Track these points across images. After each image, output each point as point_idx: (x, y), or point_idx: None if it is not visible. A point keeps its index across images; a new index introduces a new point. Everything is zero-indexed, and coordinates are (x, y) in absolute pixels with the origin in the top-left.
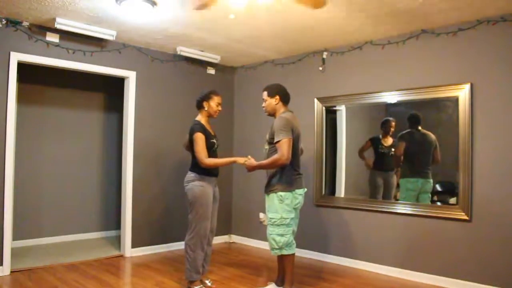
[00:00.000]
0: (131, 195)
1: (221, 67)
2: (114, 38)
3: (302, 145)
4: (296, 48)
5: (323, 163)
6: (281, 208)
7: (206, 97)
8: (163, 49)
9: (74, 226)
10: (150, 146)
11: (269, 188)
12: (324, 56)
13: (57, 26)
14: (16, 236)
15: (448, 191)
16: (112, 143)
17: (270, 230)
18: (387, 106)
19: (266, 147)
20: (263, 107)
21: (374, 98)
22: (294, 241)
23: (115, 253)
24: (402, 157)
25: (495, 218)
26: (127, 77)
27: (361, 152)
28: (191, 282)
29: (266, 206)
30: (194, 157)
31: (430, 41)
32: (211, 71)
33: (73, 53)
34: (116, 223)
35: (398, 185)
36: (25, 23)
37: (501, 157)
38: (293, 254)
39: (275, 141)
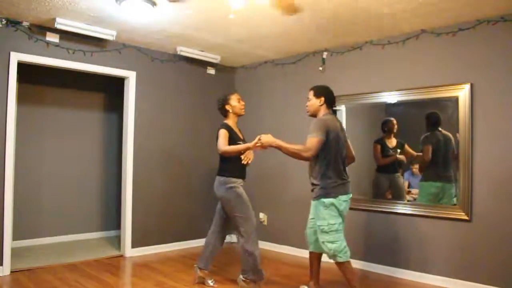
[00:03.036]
0: (131, 195)
1: (221, 67)
2: (114, 38)
3: (353, 151)
4: (296, 48)
5: None
6: (327, 214)
7: (225, 101)
8: (163, 49)
9: (74, 226)
10: (150, 146)
11: (313, 195)
12: (324, 56)
13: (57, 26)
14: (16, 236)
15: None
16: (112, 143)
17: (320, 237)
18: (387, 106)
19: None
20: (306, 106)
21: (374, 98)
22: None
23: (115, 253)
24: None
25: (495, 218)
26: (127, 77)
27: (378, 159)
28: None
29: (313, 213)
30: (222, 161)
31: (430, 41)
32: (211, 71)
33: (73, 53)
34: (116, 223)
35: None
36: (25, 23)
37: (501, 157)
38: (349, 261)
39: (307, 138)
